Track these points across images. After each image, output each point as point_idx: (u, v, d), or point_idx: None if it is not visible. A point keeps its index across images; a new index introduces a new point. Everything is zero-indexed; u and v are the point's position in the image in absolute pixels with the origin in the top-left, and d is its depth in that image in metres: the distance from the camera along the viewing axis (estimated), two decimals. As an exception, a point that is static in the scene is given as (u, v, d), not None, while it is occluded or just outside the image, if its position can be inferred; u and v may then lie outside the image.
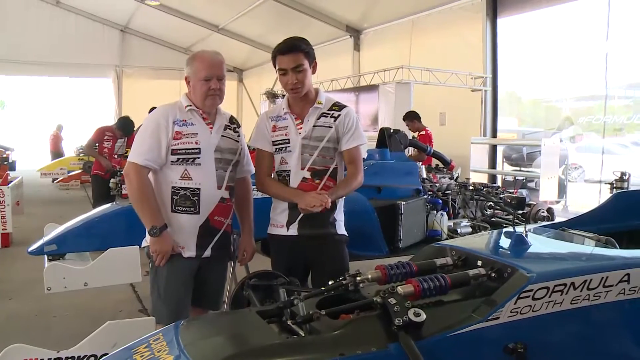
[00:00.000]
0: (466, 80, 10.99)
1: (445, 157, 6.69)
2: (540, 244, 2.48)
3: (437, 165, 6.63)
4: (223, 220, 3.11)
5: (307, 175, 3.16)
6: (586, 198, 10.56)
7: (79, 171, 15.01)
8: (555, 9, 10.66)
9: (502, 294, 1.94)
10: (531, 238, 2.45)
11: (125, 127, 8.45)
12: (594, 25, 10.05)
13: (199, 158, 2.95)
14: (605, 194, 7.55)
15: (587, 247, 2.59)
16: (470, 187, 6.20)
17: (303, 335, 1.84)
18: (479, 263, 2.17)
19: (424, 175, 6.13)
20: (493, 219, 6.00)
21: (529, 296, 1.93)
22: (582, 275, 2.03)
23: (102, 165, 8.18)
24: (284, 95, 16.26)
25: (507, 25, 11.57)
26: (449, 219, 5.66)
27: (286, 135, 3.19)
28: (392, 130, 6.37)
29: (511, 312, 1.90)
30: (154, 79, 21.95)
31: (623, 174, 7.89)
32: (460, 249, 2.33)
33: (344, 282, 2.09)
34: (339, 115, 3.19)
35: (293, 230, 3.21)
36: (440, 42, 12.18)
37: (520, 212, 5.94)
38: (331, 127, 3.17)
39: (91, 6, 20.09)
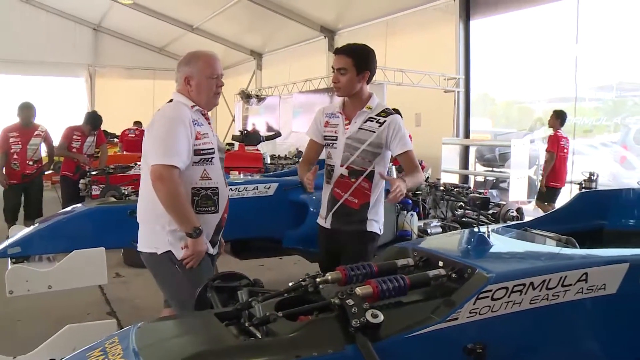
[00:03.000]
0: (439, 82, 11.06)
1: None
2: (501, 244, 2.49)
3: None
4: (226, 217, 3.16)
5: (345, 172, 3.44)
6: (557, 198, 10.65)
7: (50, 172, 14.77)
8: (526, 12, 10.76)
9: (461, 295, 1.94)
10: (493, 238, 2.45)
11: (93, 122, 8.32)
12: (564, 28, 10.18)
13: (214, 158, 2.99)
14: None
15: (548, 247, 2.61)
16: (441, 188, 6.22)
17: (260, 337, 1.81)
18: (440, 264, 2.17)
19: (394, 176, 6.13)
20: (464, 219, 6.02)
21: (488, 296, 1.93)
22: (541, 275, 2.04)
23: (76, 164, 8.02)
24: (257, 96, 16.44)
25: (480, 27, 11.66)
26: (420, 219, 5.67)
27: (335, 132, 3.50)
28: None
29: (470, 312, 1.90)
30: (127, 78, 21.82)
31: (591, 174, 8.02)
32: (422, 250, 2.33)
33: (303, 283, 2.07)
34: (385, 121, 3.39)
35: (328, 223, 3.55)
36: (415, 44, 12.24)
37: (490, 212, 5.99)
38: (374, 132, 3.39)
39: (63, 4, 19.80)
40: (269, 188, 5.16)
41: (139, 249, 3.08)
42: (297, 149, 10.41)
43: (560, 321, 2.13)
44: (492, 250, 2.34)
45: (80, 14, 20.52)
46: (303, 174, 3.44)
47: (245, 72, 19.88)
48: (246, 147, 8.55)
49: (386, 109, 3.47)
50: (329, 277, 2.08)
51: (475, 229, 2.56)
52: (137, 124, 15.14)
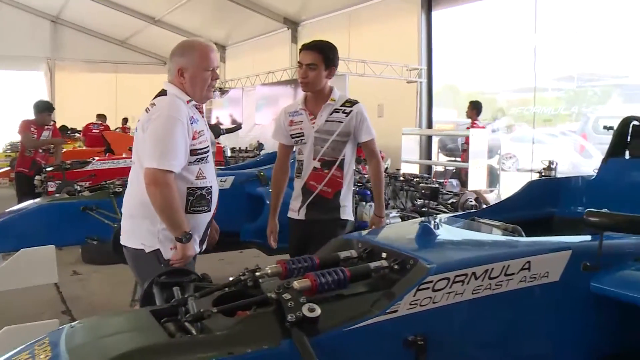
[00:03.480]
0: (402, 72, 11.08)
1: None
2: (447, 234, 2.46)
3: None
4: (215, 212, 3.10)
5: (318, 165, 3.56)
6: (519, 186, 10.77)
7: (8, 168, 14.43)
8: (487, 2, 10.85)
9: (401, 286, 1.91)
10: (439, 228, 2.43)
11: (44, 107, 8.16)
12: (523, 18, 10.27)
13: (209, 156, 2.94)
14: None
15: (493, 236, 2.60)
16: (401, 178, 6.22)
17: (195, 334, 1.76)
18: (384, 255, 2.13)
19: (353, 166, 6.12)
20: (424, 209, 6.02)
21: (428, 288, 1.90)
22: (483, 264, 2.02)
23: (32, 159, 7.85)
24: (220, 89, 16.29)
25: (442, 18, 11.70)
26: (379, 209, 5.66)
27: (301, 129, 3.58)
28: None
29: (410, 304, 1.87)
30: (88, 72, 21.33)
31: (551, 162, 8.10)
32: (366, 241, 2.30)
33: (242, 277, 2.02)
34: (351, 111, 3.51)
35: (302, 214, 3.61)
36: (378, 35, 12.22)
37: (450, 201, 6.02)
38: (342, 122, 3.51)
39: (19, -5, 19.29)
40: (225, 181, 5.10)
41: (122, 243, 3.00)
42: (258, 141, 10.32)
43: (503, 310, 2.11)
44: (436, 240, 2.32)
45: (37, 6, 19.88)
46: (277, 186, 3.77)
47: (212, 65, 19.49)
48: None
49: (349, 99, 3.59)
50: (269, 271, 2.03)
51: (421, 220, 2.54)
52: (101, 117, 14.88)
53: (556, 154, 9.32)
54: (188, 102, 2.84)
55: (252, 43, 17.35)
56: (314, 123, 3.55)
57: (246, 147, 9.28)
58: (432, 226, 2.36)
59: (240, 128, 10.76)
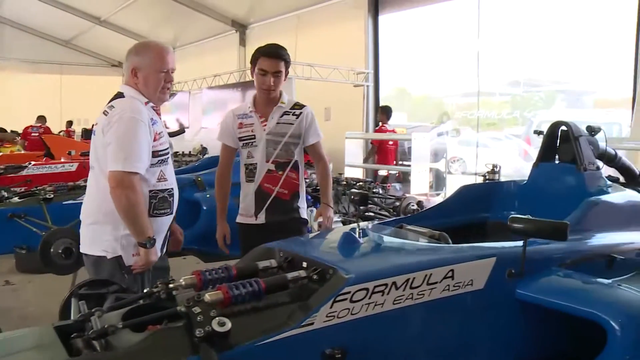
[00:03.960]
0: (349, 76, 11.09)
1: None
2: (371, 242, 2.41)
3: (308, 160, 6.50)
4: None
5: (272, 167, 3.56)
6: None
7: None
8: (433, 7, 10.97)
9: (318, 298, 1.84)
10: (364, 236, 2.38)
11: None
12: (466, 23, 10.42)
13: (169, 157, 2.91)
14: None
15: (418, 243, 2.56)
16: (343, 182, 6.19)
17: (98, 351, 1.66)
18: (304, 264, 2.07)
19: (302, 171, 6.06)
20: (367, 214, 6.00)
21: (346, 299, 1.84)
22: (404, 273, 1.97)
23: None
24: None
25: (389, 22, 11.76)
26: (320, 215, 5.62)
27: (252, 131, 3.57)
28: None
29: (327, 316, 1.81)
30: (31, 72, 20.64)
31: (494, 166, 8.20)
32: (287, 250, 2.23)
33: (154, 290, 1.93)
34: (301, 113, 3.59)
35: (261, 219, 3.57)
36: (326, 38, 12.23)
37: (392, 206, 6.00)
38: (292, 124, 3.57)
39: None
40: (160, 187, 4.96)
41: (82, 251, 2.92)
42: (201, 145, 10.13)
43: (427, 320, 2.08)
44: (359, 249, 2.27)
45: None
46: (223, 188, 3.69)
47: (158, 67, 19.15)
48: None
49: (297, 102, 3.67)
50: (183, 282, 1.95)
51: (346, 227, 2.48)
52: (41, 119, 14.42)
53: (500, 157, 9.46)
54: (146, 103, 2.81)
55: (200, 45, 17.14)
56: (265, 125, 3.56)
57: (189, 152, 9.08)
58: (356, 234, 2.31)
59: (183, 132, 10.56)
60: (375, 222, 3.01)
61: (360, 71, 11.21)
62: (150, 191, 2.80)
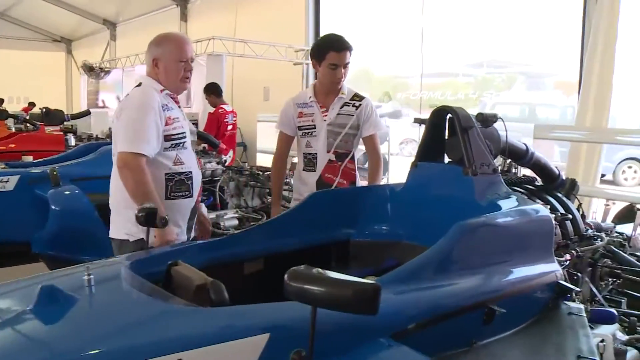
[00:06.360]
0: (287, 53, 10.37)
1: (213, 138, 5.85)
2: (73, 306, 1.56)
3: (204, 147, 5.72)
4: (199, 200, 3.11)
5: (332, 157, 3.55)
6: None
7: None
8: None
9: None
10: (73, 293, 1.58)
11: None
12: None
13: (186, 142, 2.94)
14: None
15: (150, 311, 1.63)
16: (246, 172, 5.46)
17: None
18: None
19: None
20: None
21: None
22: None
23: None
24: (101, 69, 15.10)
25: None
26: (215, 209, 4.99)
27: (312, 121, 3.57)
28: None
29: None
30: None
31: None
32: None
33: None
34: (360, 105, 3.57)
35: None
36: (266, 14, 11.53)
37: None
38: (353, 115, 3.55)
39: None
40: (7, 182, 4.23)
41: (110, 236, 2.95)
42: (109, 128, 9.24)
43: None
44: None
45: None
46: (277, 177, 3.75)
47: (99, 43, 18.27)
48: (47, 128, 7.33)
49: (357, 93, 3.65)
50: None
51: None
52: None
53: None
54: (162, 91, 2.88)
55: (142, 20, 16.21)
56: (325, 115, 3.56)
57: (96, 135, 8.12)
58: (62, 289, 1.53)
59: (89, 113, 9.69)
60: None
61: (300, 48, 10.46)
62: (166, 174, 2.85)
